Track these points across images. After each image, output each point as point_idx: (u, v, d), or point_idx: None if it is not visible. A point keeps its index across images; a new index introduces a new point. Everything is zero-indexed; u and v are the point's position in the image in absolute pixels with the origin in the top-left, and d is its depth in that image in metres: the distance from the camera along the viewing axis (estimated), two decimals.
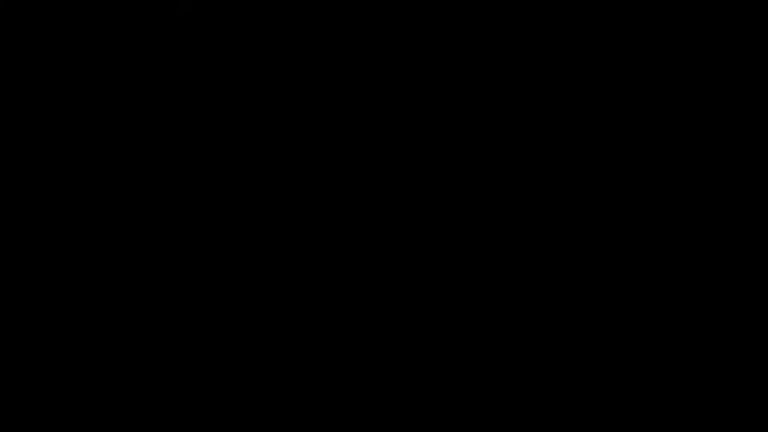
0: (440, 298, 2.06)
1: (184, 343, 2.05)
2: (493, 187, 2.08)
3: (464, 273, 2.06)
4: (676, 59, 2.08)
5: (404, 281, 2.07)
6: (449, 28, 2.10)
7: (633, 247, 2.06)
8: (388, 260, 2.07)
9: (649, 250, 2.05)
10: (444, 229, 2.08)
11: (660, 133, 2.07)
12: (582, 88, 2.08)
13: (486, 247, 2.07)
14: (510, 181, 2.08)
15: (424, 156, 2.09)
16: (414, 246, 2.07)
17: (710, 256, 2.05)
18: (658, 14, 2.09)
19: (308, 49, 2.10)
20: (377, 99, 2.10)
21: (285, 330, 2.06)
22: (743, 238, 2.05)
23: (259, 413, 2.04)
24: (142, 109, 2.09)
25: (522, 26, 2.09)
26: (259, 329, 2.06)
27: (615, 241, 2.06)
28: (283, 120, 2.10)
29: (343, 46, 2.10)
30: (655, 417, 2.02)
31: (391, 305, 2.06)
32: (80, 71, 2.09)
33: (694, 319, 2.04)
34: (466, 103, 2.09)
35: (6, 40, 2.09)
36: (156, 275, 2.06)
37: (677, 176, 2.07)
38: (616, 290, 2.05)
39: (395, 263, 2.07)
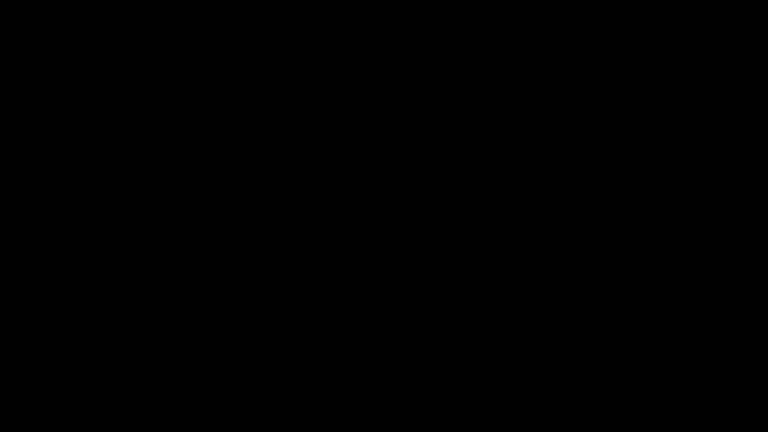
0: (440, 298, 2.06)
1: (184, 343, 2.05)
2: (493, 186, 2.08)
3: (464, 273, 2.07)
4: (676, 59, 2.09)
5: (404, 281, 2.07)
6: (449, 28, 2.10)
7: (633, 247, 2.06)
8: (388, 260, 2.07)
9: (648, 249, 2.06)
10: (444, 228, 2.08)
11: (660, 133, 2.08)
12: (582, 88, 2.09)
13: (486, 246, 2.07)
14: (510, 181, 2.08)
15: (423, 156, 2.09)
16: (413, 246, 2.08)
17: (710, 256, 2.05)
18: (658, 14, 2.09)
19: (308, 49, 2.10)
20: (377, 99, 2.10)
21: (285, 330, 2.06)
22: (743, 238, 2.05)
23: (259, 413, 2.04)
24: (142, 109, 2.09)
25: (522, 26, 2.09)
26: (259, 329, 2.06)
27: (614, 241, 2.06)
28: (282, 120, 2.10)
29: (343, 46, 2.10)
30: (655, 417, 2.02)
31: (391, 305, 2.07)
32: (80, 71, 2.10)
33: (694, 319, 2.04)
34: (465, 103, 2.10)
35: (6, 40, 2.10)
36: (155, 275, 2.07)
37: (677, 176, 2.07)
38: (616, 290, 2.05)
39: (395, 263, 2.07)
